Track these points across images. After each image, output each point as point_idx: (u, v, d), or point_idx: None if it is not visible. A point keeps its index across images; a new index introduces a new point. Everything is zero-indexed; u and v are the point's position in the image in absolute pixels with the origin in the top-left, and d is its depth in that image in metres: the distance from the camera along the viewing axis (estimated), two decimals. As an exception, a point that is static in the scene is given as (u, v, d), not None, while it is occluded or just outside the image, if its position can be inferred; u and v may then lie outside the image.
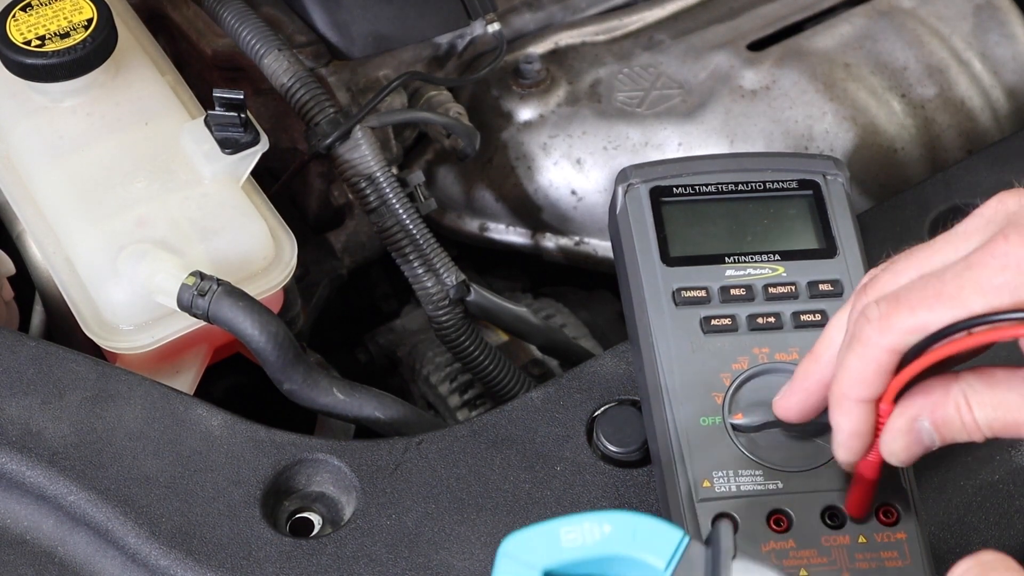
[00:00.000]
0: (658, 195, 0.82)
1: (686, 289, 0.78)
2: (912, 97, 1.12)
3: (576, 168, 1.09)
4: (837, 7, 1.18)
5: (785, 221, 0.82)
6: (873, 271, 0.69)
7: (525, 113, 1.11)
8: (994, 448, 0.82)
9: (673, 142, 1.08)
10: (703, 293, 0.78)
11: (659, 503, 0.76)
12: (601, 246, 1.11)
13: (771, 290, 0.79)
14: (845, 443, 0.68)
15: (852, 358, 0.65)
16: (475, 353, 1.02)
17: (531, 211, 1.11)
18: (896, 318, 0.64)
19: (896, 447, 0.66)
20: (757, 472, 0.73)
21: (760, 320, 0.77)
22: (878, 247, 0.86)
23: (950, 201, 0.92)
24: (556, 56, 1.14)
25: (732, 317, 0.78)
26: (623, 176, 0.84)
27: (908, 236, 0.90)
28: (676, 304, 0.78)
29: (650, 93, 1.11)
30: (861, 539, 0.71)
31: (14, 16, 0.92)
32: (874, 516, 0.71)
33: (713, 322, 0.77)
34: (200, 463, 0.79)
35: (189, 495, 0.78)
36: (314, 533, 0.79)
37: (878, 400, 0.66)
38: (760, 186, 0.83)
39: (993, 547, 0.78)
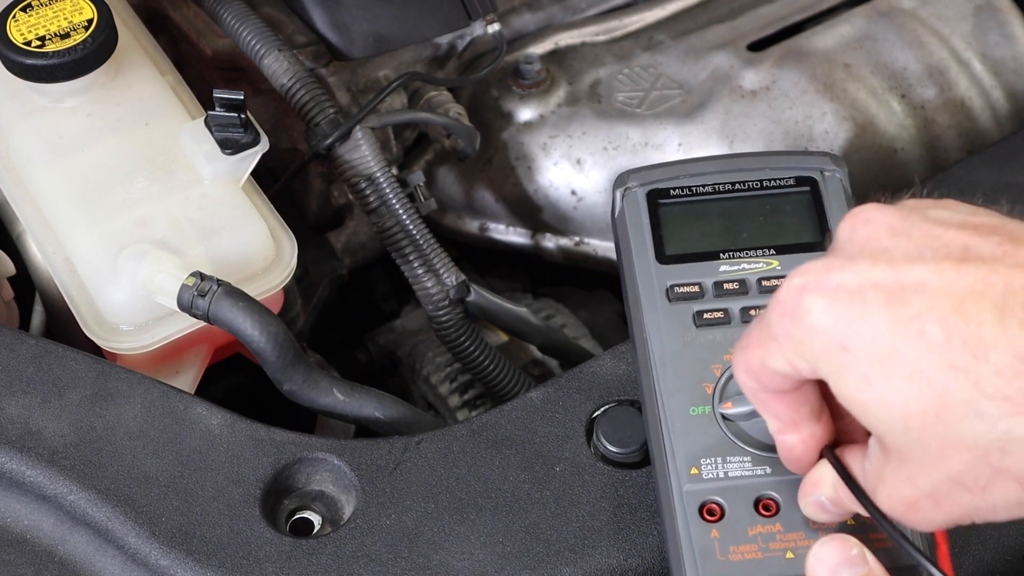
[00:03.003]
0: (655, 197, 0.82)
1: (679, 285, 0.79)
2: (912, 97, 1.12)
3: (576, 168, 1.09)
4: (837, 7, 1.18)
5: (781, 217, 0.82)
6: None
7: (525, 113, 1.11)
8: (994, 448, 0.82)
9: (673, 142, 1.08)
10: (696, 288, 0.79)
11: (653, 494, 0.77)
12: (601, 246, 1.11)
13: (765, 283, 0.79)
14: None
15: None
16: (475, 353, 1.02)
17: (531, 211, 1.11)
18: (740, 364, 0.66)
19: (809, 515, 0.70)
20: (745, 459, 0.73)
21: (753, 312, 0.77)
22: (878, 247, 0.86)
23: (950, 201, 0.92)
24: (556, 56, 1.14)
25: (725, 310, 0.78)
26: (621, 180, 0.84)
27: (908, 236, 0.90)
28: (669, 300, 0.78)
29: (650, 93, 1.11)
30: (850, 521, 0.71)
31: (14, 16, 0.92)
32: None
33: (705, 316, 0.77)
34: (200, 462, 0.79)
35: (189, 494, 0.78)
36: (314, 532, 0.79)
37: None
38: (757, 184, 0.83)
39: (992, 547, 0.78)
